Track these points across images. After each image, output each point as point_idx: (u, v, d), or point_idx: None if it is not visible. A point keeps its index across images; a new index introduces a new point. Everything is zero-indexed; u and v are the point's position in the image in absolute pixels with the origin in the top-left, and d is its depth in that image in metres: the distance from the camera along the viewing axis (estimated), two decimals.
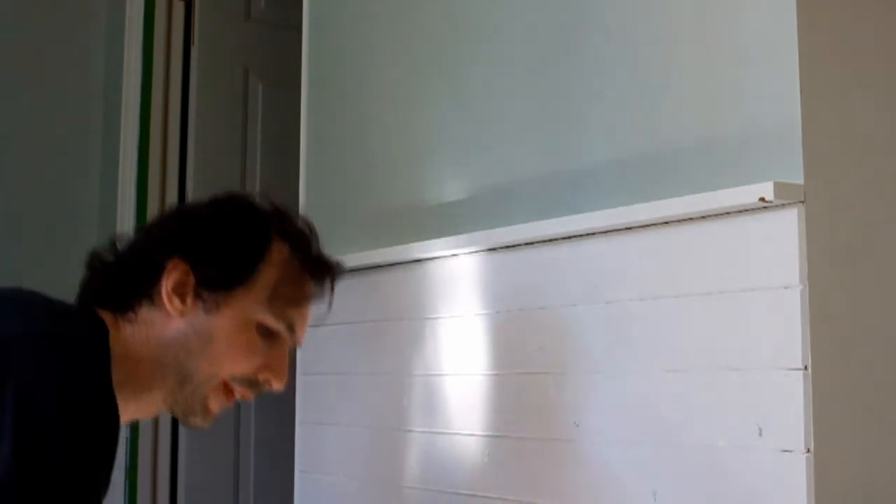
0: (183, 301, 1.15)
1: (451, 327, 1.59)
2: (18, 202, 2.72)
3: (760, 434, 1.14)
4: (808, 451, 1.10)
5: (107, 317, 1.14)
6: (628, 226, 1.29)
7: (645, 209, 1.26)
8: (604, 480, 1.31)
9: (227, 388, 1.17)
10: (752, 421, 1.15)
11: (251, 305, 1.17)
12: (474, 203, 1.59)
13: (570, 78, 1.46)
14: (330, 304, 1.23)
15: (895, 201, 1.22)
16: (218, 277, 1.16)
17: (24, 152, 2.79)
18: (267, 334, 1.17)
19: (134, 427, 2.80)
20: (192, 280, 1.15)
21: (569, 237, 1.37)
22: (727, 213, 1.18)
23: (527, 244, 1.44)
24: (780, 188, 1.12)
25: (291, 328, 1.19)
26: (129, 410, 1.13)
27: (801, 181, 1.13)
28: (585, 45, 1.44)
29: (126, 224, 2.68)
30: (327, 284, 1.23)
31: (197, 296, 1.15)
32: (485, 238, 1.50)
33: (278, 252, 1.18)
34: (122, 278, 1.17)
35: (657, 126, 1.33)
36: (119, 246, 1.21)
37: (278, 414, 2.35)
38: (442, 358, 1.61)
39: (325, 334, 1.88)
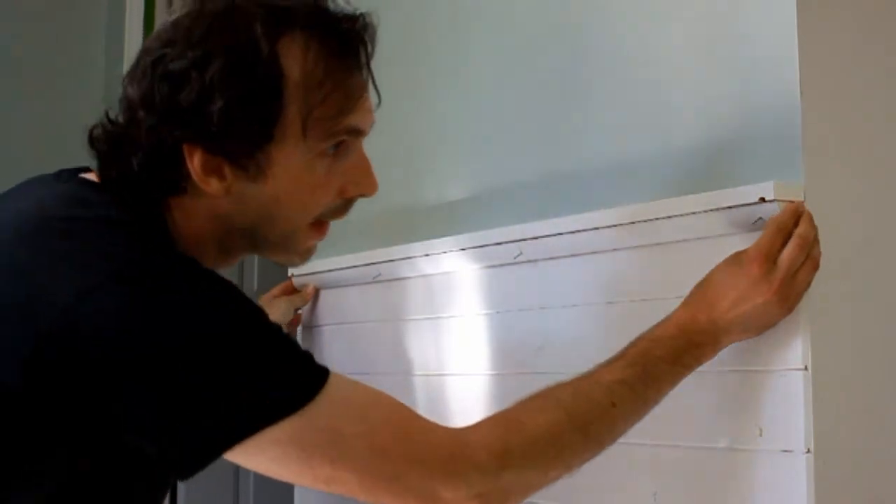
0: (221, 177, 1.01)
1: (450, 327, 1.59)
2: None
3: (760, 434, 1.14)
4: (808, 451, 1.10)
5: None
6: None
7: (645, 209, 1.26)
8: (604, 480, 1.31)
9: (318, 224, 1.09)
10: (752, 421, 1.15)
11: (296, 149, 1.02)
12: (474, 203, 1.59)
13: (571, 78, 1.46)
14: (372, 75, 1.08)
15: (895, 201, 1.22)
16: (243, 146, 1.00)
17: (27, 154, 2.79)
18: (333, 155, 1.05)
19: None
20: (217, 157, 1.00)
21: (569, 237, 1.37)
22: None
23: (526, 243, 1.44)
24: (780, 188, 1.12)
25: (355, 131, 1.06)
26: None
27: (801, 181, 1.13)
28: (586, 45, 1.44)
29: None
30: (362, 52, 1.06)
31: (234, 163, 1.01)
32: (485, 238, 1.50)
33: (291, 67, 1.00)
34: (143, 175, 1.02)
35: (657, 126, 1.33)
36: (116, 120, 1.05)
37: None
38: (442, 358, 1.61)
39: (326, 334, 1.88)
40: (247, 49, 0.98)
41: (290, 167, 1.02)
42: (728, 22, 1.25)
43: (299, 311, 1.89)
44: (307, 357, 0.97)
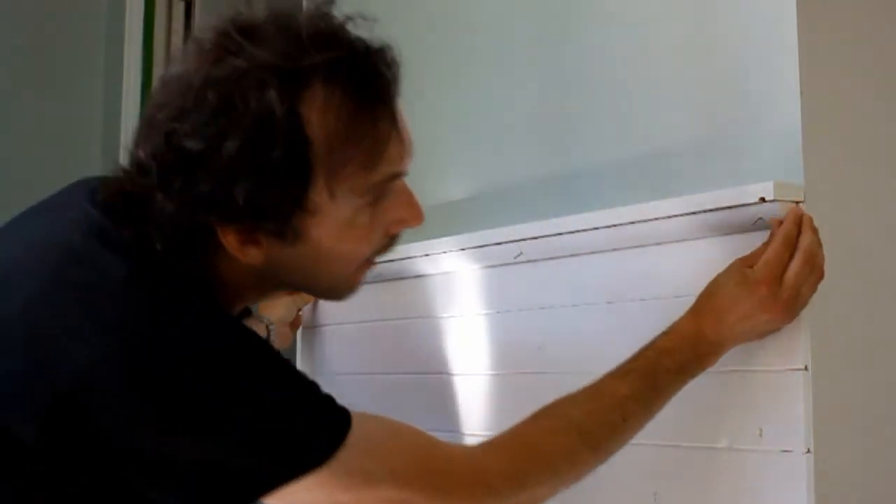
0: (258, 245, 0.97)
1: (450, 327, 1.59)
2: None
3: (760, 434, 1.14)
4: (808, 451, 1.10)
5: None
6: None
7: (645, 209, 1.26)
8: (604, 480, 1.31)
9: (364, 262, 1.05)
10: (752, 421, 1.15)
11: (333, 210, 0.97)
12: (474, 203, 1.59)
13: (571, 78, 1.46)
14: (399, 121, 1.00)
15: (895, 201, 1.22)
16: (275, 219, 0.95)
17: (27, 155, 2.79)
18: (372, 202, 1.00)
19: None
20: (250, 231, 0.96)
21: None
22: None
23: (526, 243, 1.44)
24: (780, 188, 1.12)
25: (392, 177, 1.01)
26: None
27: (801, 181, 1.13)
28: (587, 45, 1.44)
29: None
30: (387, 95, 0.98)
31: (269, 233, 0.96)
32: (485, 238, 1.50)
33: (315, 130, 0.93)
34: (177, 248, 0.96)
35: (657, 126, 1.33)
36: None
37: None
38: (441, 358, 1.61)
39: (326, 334, 1.88)
40: (263, 121, 0.91)
41: (330, 227, 0.98)
42: (728, 22, 1.25)
43: (301, 312, 1.89)
44: (330, 403, 0.98)
